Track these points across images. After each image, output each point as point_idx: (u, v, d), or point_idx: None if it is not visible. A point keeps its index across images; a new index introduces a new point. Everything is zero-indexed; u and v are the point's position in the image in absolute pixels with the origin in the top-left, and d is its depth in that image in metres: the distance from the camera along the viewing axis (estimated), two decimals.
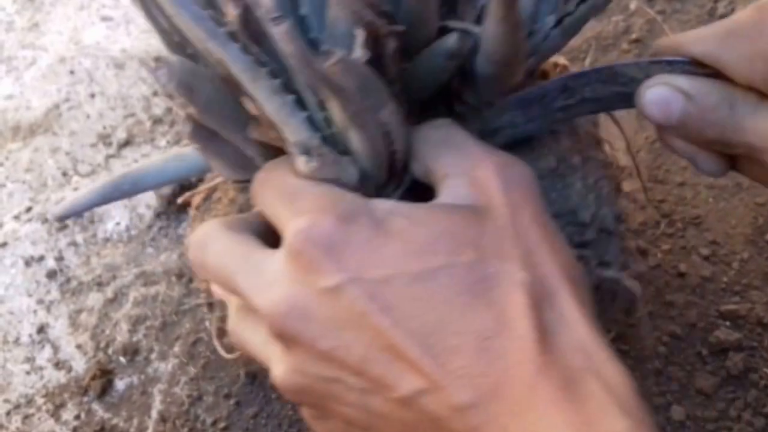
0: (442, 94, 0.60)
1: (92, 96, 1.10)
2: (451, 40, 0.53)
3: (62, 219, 0.59)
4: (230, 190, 0.69)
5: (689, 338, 0.78)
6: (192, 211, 0.73)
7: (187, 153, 0.63)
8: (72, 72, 1.13)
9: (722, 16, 0.99)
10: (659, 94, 0.48)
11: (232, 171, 0.63)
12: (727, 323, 0.79)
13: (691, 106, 0.47)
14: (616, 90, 0.52)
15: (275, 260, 0.39)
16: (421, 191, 0.45)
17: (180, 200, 0.73)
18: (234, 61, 0.44)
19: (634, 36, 0.99)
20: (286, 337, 0.38)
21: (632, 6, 1.02)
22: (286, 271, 0.38)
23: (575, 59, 0.98)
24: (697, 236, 0.84)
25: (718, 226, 0.84)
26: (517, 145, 0.62)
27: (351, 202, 0.40)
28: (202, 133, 0.55)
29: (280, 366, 0.40)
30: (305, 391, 0.40)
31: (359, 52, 0.42)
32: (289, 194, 0.43)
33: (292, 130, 0.44)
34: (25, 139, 1.07)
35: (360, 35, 0.43)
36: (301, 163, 0.43)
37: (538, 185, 0.45)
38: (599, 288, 0.63)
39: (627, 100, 0.52)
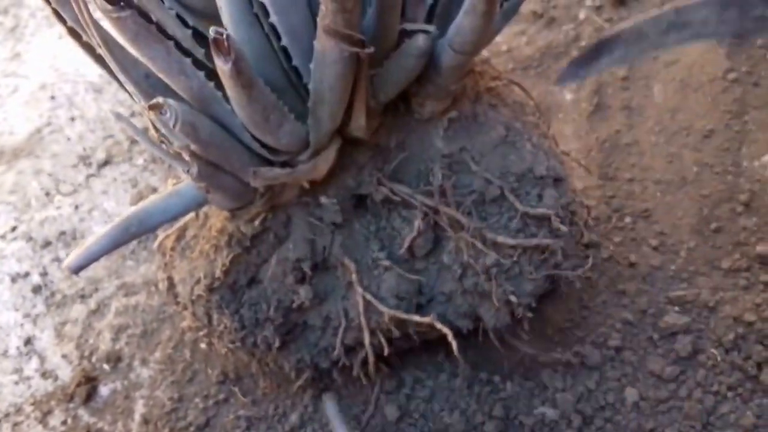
0: (401, 95, 0.66)
1: (72, 120, 1.15)
2: (420, 40, 0.58)
3: (78, 271, 0.62)
4: (217, 221, 0.72)
5: (641, 324, 0.83)
6: (167, 253, 0.75)
7: (183, 189, 0.66)
8: (53, 97, 1.18)
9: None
10: None
11: (231, 201, 0.67)
12: (676, 308, 0.83)
13: None
14: None
15: None
16: None
17: (155, 245, 0.77)
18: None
19: (583, 43, 1.05)
20: None
21: (581, 16, 1.08)
22: None
23: (528, 68, 1.03)
24: (646, 228, 0.89)
25: (666, 218, 0.89)
26: (462, 121, 0.68)
27: None
28: (208, 171, 0.60)
29: None
30: None
31: None
32: None
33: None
34: (9, 163, 1.11)
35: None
36: None
37: None
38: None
39: None
